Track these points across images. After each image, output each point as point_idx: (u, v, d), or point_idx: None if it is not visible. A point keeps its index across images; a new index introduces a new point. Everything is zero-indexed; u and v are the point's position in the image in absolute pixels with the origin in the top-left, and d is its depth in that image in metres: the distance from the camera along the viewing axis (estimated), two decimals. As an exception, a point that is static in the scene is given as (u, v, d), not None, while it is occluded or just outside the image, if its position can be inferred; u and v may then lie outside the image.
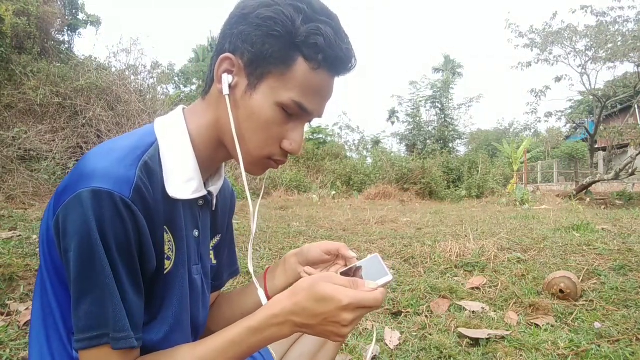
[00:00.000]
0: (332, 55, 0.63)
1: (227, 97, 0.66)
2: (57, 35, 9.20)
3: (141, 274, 0.63)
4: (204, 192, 0.72)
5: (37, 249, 2.64)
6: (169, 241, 0.68)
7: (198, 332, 0.80)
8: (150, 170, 0.63)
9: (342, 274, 0.70)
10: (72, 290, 0.58)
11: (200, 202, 0.74)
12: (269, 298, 0.85)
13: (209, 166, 0.74)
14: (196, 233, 0.74)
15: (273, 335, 0.61)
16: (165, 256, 0.67)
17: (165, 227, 0.67)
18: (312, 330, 0.61)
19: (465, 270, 2.84)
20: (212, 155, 0.73)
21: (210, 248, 0.84)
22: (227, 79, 0.65)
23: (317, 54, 0.63)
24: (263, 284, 0.89)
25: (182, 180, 0.68)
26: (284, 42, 0.62)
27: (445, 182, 11.73)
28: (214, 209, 0.81)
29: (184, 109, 0.74)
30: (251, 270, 0.77)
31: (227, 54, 0.66)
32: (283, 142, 0.68)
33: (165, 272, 0.67)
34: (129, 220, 0.58)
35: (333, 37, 0.63)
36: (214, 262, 0.85)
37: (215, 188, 0.78)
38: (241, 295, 0.92)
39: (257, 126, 0.66)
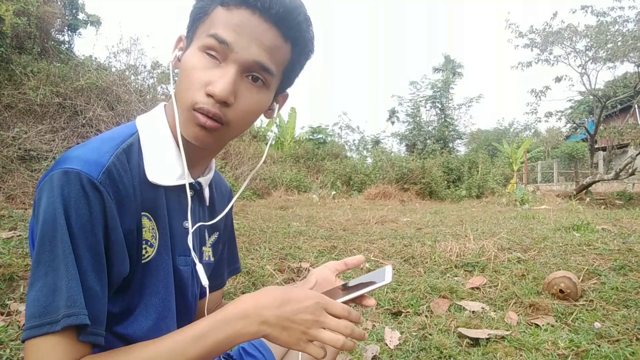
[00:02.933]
0: None
1: (170, 65, 0.71)
2: (57, 35, 9.19)
3: (108, 263, 0.61)
4: (189, 180, 0.71)
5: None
6: (152, 228, 0.68)
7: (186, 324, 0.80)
8: (127, 156, 0.65)
9: (346, 287, 0.69)
10: (30, 275, 0.57)
11: (190, 192, 0.73)
12: None
13: (195, 158, 0.73)
14: (186, 224, 0.73)
15: (240, 330, 0.59)
16: (148, 243, 0.67)
17: (146, 213, 0.67)
18: (283, 331, 0.60)
19: (465, 270, 2.84)
20: (186, 142, 0.70)
21: (209, 245, 0.83)
22: (175, 53, 0.71)
23: None
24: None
25: (164, 167, 0.69)
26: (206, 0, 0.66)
27: (445, 182, 11.73)
28: (207, 203, 0.81)
29: (165, 104, 0.75)
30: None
31: (180, 35, 0.72)
32: (207, 87, 0.63)
33: (146, 259, 0.67)
34: (95, 201, 0.58)
35: None
36: (212, 259, 0.85)
37: (204, 179, 0.78)
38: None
39: (183, 77, 0.65)
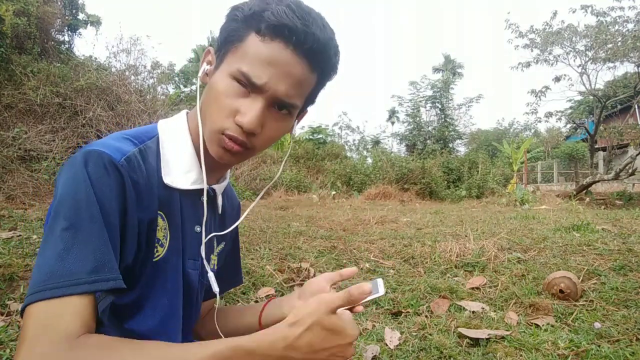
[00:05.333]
0: (279, 24, 0.62)
1: (197, 80, 0.72)
2: (57, 35, 9.19)
3: (120, 246, 0.61)
4: (204, 185, 0.73)
5: (37, 249, 2.64)
6: (165, 228, 0.69)
7: (190, 328, 0.81)
8: (146, 156, 0.67)
9: None
10: (42, 243, 0.57)
11: (204, 198, 0.74)
12: (260, 326, 0.85)
13: (213, 166, 0.74)
14: (198, 229, 0.75)
15: None
16: (159, 242, 0.68)
17: (160, 212, 0.68)
18: None
19: (465, 270, 2.84)
20: (207, 152, 0.72)
21: (216, 254, 0.84)
22: (204, 67, 0.71)
23: (265, 26, 0.62)
24: (261, 309, 0.88)
25: (180, 171, 0.71)
26: (240, 22, 0.65)
27: (445, 182, 11.73)
28: (220, 211, 0.82)
29: (187, 112, 0.77)
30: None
31: (208, 48, 0.72)
32: (236, 116, 0.65)
33: (157, 257, 0.68)
34: (116, 180, 0.60)
35: (283, 10, 0.62)
36: (217, 267, 0.86)
37: (219, 187, 0.79)
38: (239, 311, 0.92)
39: (212, 99, 0.66)
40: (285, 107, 0.67)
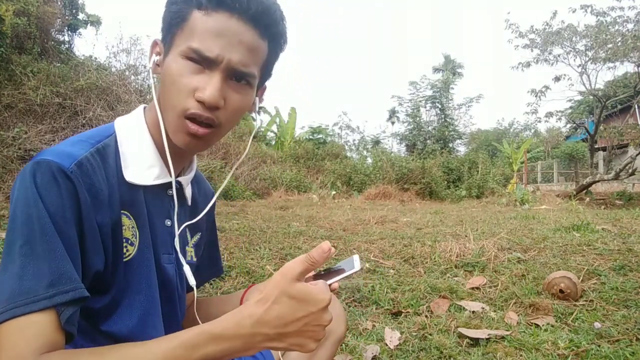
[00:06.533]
0: None
1: (150, 71, 0.70)
2: (57, 35, 9.18)
3: (81, 253, 0.60)
4: (168, 179, 0.73)
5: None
6: (132, 227, 0.68)
7: (176, 322, 0.80)
8: (104, 155, 0.66)
9: (318, 275, 0.68)
10: (1, 262, 0.56)
11: (170, 192, 0.74)
12: None
13: (175, 157, 0.73)
14: (168, 223, 0.75)
15: (236, 348, 0.54)
16: (129, 241, 0.68)
17: (125, 212, 0.67)
18: (285, 342, 0.55)
19: (465, 270, 2.84)
20: (171, 144, 0.71)
21: (191, 246, 0.84)
22: (153, 58, 0.70)
23: (206, 0, 0.62)
24: (241, 295, 0.88)
25: (142, 167, 0.70)
26: (181, 3, 0.65)
27: (445, 182, 11.73)
28: (189, 203, 0.81)
29: (145, 107, 0.76)
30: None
31: (154, 40, 0.71)
32: (196, 93, 0.64)
33: (128, 257, 0.68)
34: (66, 189, 0.59)
35: None
36: (195, 259, 0.85)
37: (185, 179, 0.78)
38: (221, 301, 0.92)
39: (168, 84, 0.65)
40: (243, 77, 0.66)
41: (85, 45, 19.74)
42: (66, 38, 9.44)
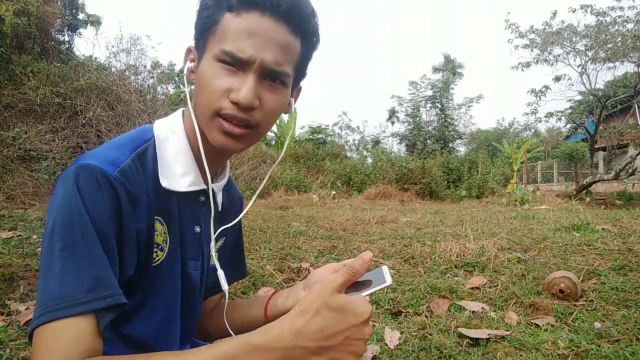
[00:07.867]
0: None
1: (184, 77, 0.71)
2: (57, 35, 9.19)
3: (119, 258, 0.60)
4: (202, 186, 0.73)
5: (38, 249, 2.64)
6: (164, 232, 0.69)
7: (191, 330, 0.80)
8: (143, 160, 0.66)
9: (350, 287, 0.67)
10: (41, 265, 0.56)
11: (202, 198, 0.74)
12: (266, 318, 0.83)
13: (210, 161, 0.73)
14: (197, 229, 0.75)
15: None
16: (159, 247, 0.68)
17: (158, 217, 0.67)
18: (325, 356, 0.52)
19: (465, 270, 2.84)
20: (207, 149, 0.71)
21: (216, 250, 0.84)
22: (187, 65, 0.70)
23: (236, 1, 0.62)
24: (266, 301, 0.87)
25: (177, 173, 0.70)
26: (212, 7, 0.65)
27: (445, 182, 11.74)
28: (220, 209, 0.81)
29: (183, 110, 0.76)
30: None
31: (189, 47, 0.71)
32: (230, 94, 0.64)
33: (157, 262, 0.68)
34: (109, 195, 0.59)
35: None
36: (218, 264, 0.85)
37: (218, 186, 0.79)
38: (245, 305, 0.91)
39: (203, 87, 0.65)
40: (277, 77, 0.66)
41: (85, 45, 19.73)
42: (66, 38, 9.45)
